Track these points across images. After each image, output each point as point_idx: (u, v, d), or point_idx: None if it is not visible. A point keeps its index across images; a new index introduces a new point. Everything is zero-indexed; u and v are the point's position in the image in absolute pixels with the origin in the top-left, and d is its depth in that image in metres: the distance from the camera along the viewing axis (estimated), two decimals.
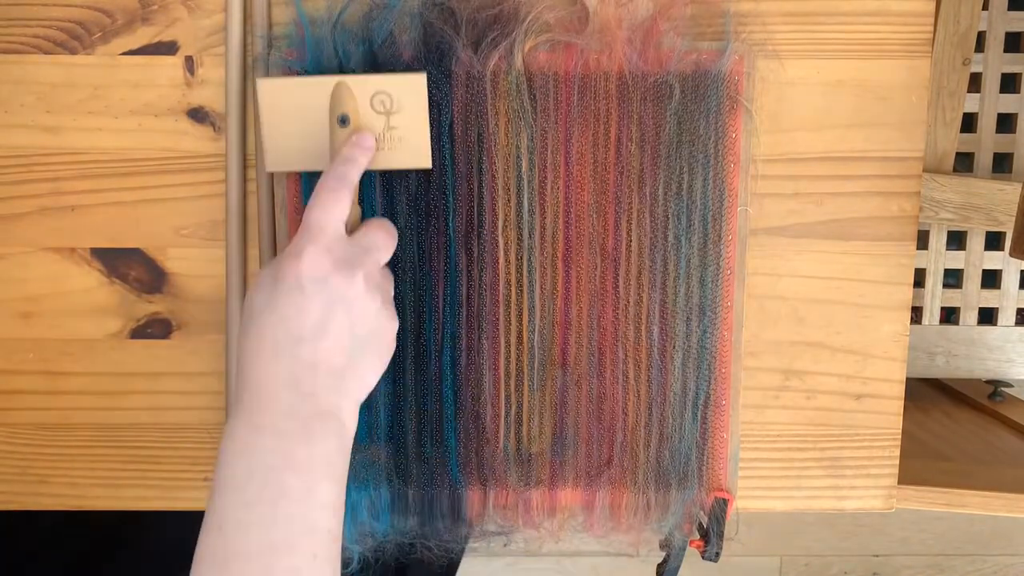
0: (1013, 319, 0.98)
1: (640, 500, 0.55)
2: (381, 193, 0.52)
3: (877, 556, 1.36)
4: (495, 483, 0.55)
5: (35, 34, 0.54)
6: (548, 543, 0.57)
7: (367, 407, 0.54)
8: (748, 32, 0.53)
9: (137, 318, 0.57)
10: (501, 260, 0.53)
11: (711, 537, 0.55)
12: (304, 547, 0.41)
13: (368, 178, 0.52)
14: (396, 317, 0.47)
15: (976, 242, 0.97)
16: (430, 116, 0.48)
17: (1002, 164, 0.97)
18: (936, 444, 0.87)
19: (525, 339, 0.54)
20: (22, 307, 0.56)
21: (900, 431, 0.57)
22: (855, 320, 0.56)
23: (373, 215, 0.52)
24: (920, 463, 0.81)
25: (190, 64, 0.54)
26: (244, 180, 0.54)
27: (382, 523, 0.55)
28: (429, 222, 0.52)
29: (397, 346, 0.52)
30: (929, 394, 1.02)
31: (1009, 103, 0.95)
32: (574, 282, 0.53)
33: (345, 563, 0.54)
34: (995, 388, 0.98)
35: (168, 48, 0.54)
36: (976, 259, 0.97)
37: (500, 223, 0.52)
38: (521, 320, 0.53)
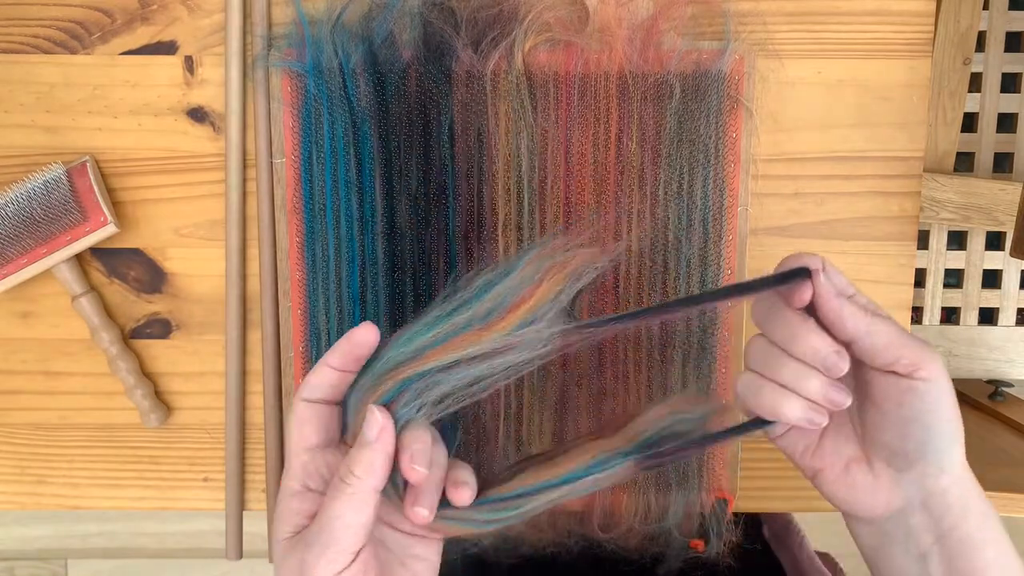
0: (1014, 319, 0.98)
1: (640, 501, 0.55)
2: (381, 193, 0.52)
3: None
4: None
5: (35, 34, 0.54)
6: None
7: None
8: (748, 32, 0.53)
9: (137, 318, 0.56)
10: (501, 260, 0.52)
11: (711, 537, 0.55)
12: None
13: (368, 177, 0.52)
14: None
15: (977, 242, 0.97)
16: (429, 115, 0.48)
17: (1003, 164, 0.97)
18: None
19: None
20: (22, 307, 0.56)
21: None
22: None
23: (373, 214, 0.52)
24: None
25: (190, 64, 0.54)
26: (244, 180, 0.54)
27: None
28: (429, 222, 0.52)
29: None
30: None
31: (1009, 103, 0.95)
32: None
33: None
34: (995, 388, 0.98)
35: (168, 48, 0.54)
36: (977, 259, 0.97)
37: (500, 223, 0.52)
38: None
